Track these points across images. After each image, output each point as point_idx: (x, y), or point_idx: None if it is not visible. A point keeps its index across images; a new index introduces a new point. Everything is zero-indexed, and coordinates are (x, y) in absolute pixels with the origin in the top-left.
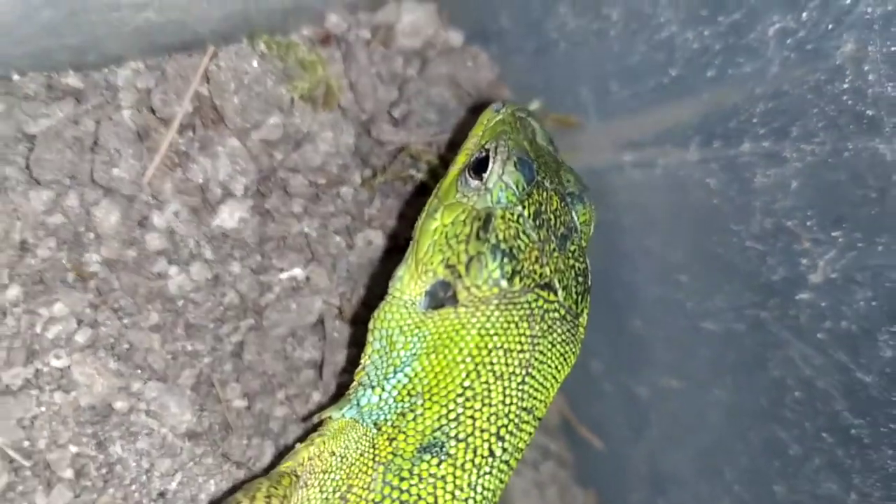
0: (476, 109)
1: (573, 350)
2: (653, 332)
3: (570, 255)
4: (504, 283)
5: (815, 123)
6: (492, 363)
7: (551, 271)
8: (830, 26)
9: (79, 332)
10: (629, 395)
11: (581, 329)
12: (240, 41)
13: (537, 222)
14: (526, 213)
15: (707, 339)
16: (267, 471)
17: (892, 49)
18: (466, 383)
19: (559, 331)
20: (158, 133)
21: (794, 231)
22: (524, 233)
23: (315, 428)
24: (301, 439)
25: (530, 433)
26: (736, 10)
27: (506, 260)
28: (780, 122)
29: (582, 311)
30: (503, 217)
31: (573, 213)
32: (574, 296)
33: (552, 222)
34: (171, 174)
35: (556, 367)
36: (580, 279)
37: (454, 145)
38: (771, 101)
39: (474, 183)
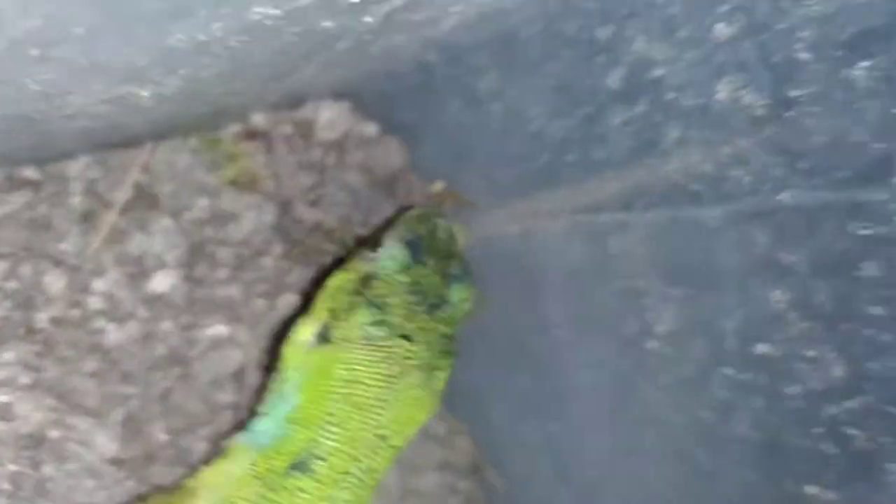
0: (386, 191)
1: (429, 396)
2: (539, 384)
3: (437, 319)
4: (370, 329)
5: (654, 197)
6: (353, 394)
7: (416, 328)
8: (659, 118)
9: (23, 375)
10: (522, 440)
11: (439, 382)
12: (174, 138)
13: (412, 289)
14: (404, 280)
15: (581, 388)
16: None
17: (706, 134)
18: (331, 410)
19: (415, 376)
20: (102, 214)
21: (642, 289)
22: (398, 294)
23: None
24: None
25: (386, 458)
26: (588, 105)
27: (375, 310)
28: (627, 196)
29: (443, 367)
30: (383, 280)
31: (450, 290)
32: (435, 352)
33: (426, 292)
34: (112, 248)
35: (412, 407)
36: (443, 341)
37: (364, 222)
38: (618, 179)
39: (371, 255)
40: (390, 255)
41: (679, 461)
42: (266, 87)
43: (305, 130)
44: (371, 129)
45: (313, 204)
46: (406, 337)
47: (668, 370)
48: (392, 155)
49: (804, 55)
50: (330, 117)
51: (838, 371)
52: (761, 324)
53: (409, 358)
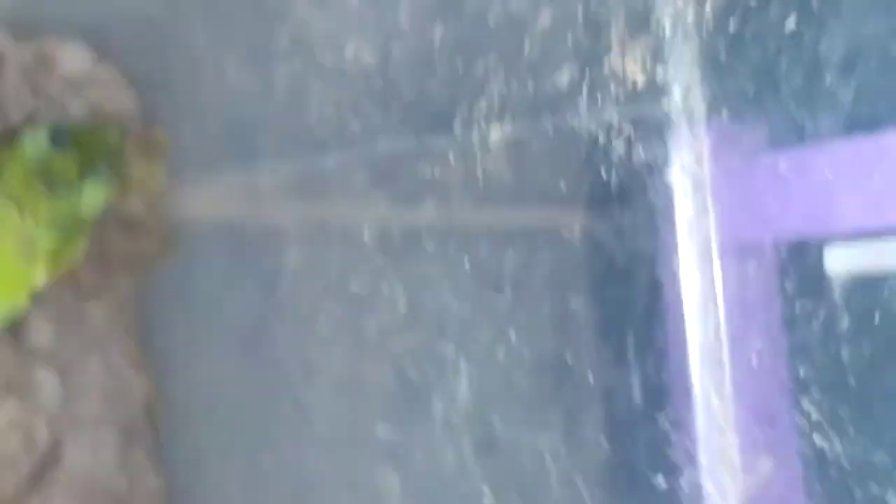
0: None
1: (24, 265)
2: (207, 328)
3: (58, 201)
4: None
5: (299, 147)
6: None
7: (29, 202)
8: (308, 76)
9: None
10: (190, 379)
11: (40, 254)
12: None
13: (40, 169)
14: (35, 159)
15: (233, 330)
16: None
17: (337, 89)
18: None
19: (12, 241)
20: None
21: (282, 233)
22: (23, 169)
23: None
24: None
25: None
26: (262, 64)
27: None
28: (281, 148)
29: (51, 243)
30: (16, 154)
31: (85, 182)
32: (44, 229)
33: (55, 175)
34: None
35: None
36: (59, 222)
37: None
38: (275, 133)
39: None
40: (31, 136)
41: (290, 398)
42: None
43: (45, 63)
44: (110, 73)
45: (29, 119)
46: (17, 202)
47: (293, 311)
48: (124, 100)
49: (404, 19)
50: (71, 55)
51: (402, 307)
52: (354, 261)
53: (10, 224)
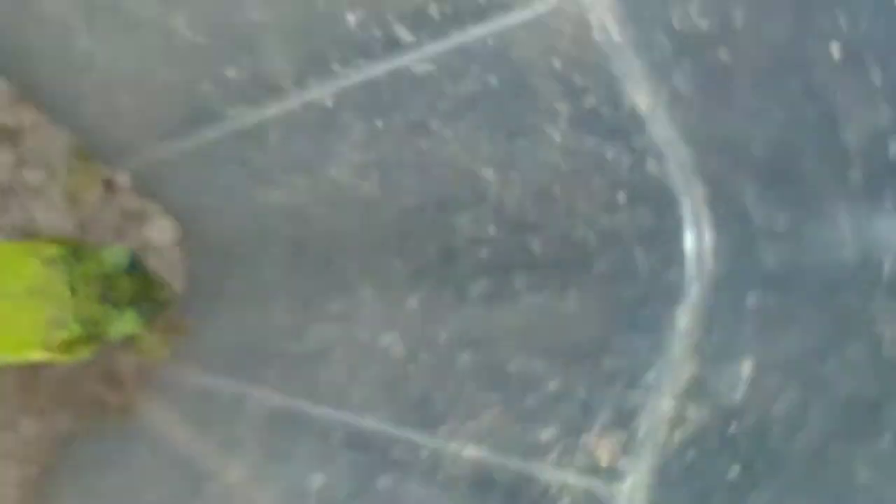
0: None
1: (41, 338)
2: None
3: (103, 308)
4: (55, 258)
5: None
6: None
7: (83, 294)
8: None
9: None
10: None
11: (56, 339)
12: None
13: (107, 277)
14: (107, 269)
15: None
16: None
17: None
18: None
19: (46, 312)
20: None
21: (240, 448)
22: (95, 266)
23: None
24: None
25: None
26: None
27: (71, 254)
28: None
29: (72, 332)
30: (92, 256)
31: (129, 309)
32: (76, 320)
33: (113, 288)
34: None
35: (23, 324)
36: (89, 324)
37: None
38: None
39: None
40: (117, 250)
41: None
42: (127, 148)
43: (139, 218)
44: (177, 258)
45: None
46: (72, 289)
47: None
48: (176, 282)
49: (443, 338)
50: (161, 227)
51: None
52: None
53: (57, 300)
